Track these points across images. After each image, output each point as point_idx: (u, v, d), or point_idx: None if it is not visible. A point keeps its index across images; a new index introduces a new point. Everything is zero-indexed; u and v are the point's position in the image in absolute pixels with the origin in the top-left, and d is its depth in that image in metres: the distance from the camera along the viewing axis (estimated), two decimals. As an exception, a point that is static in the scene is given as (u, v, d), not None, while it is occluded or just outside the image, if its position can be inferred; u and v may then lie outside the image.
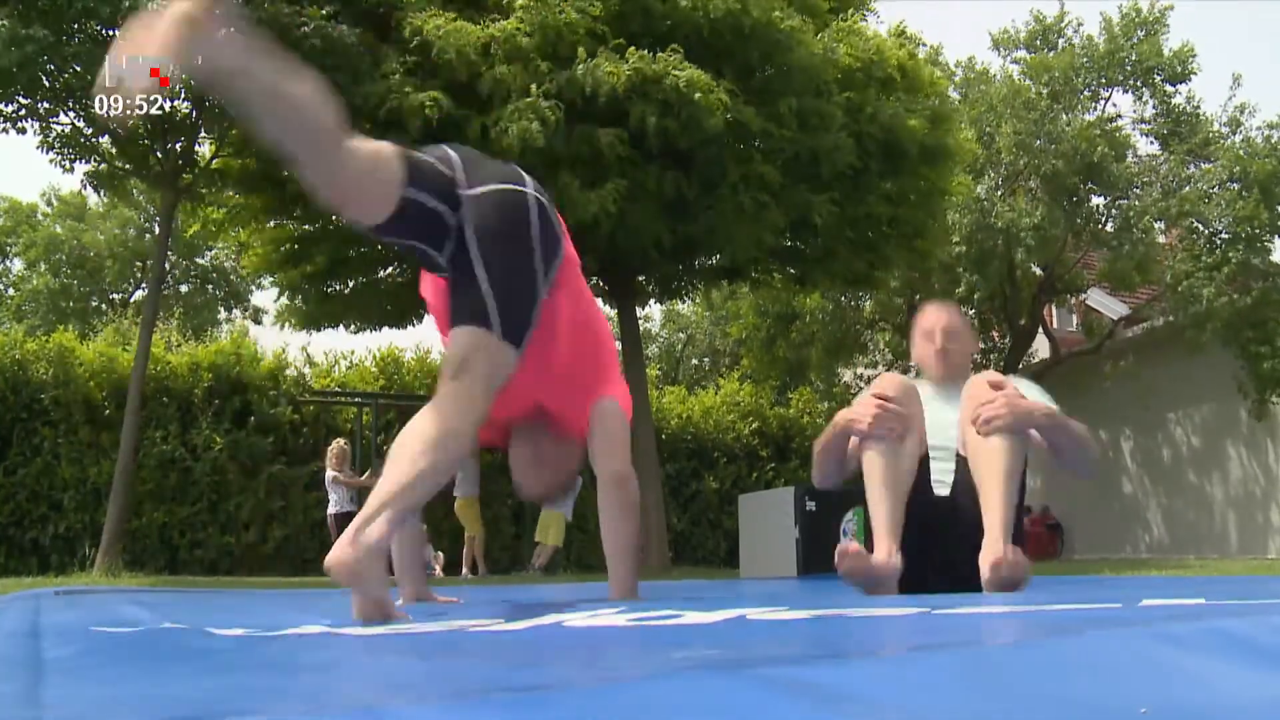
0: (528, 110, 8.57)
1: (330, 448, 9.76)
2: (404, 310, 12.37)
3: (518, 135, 8.39)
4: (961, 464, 2.62)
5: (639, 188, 9.32)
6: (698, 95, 8.69)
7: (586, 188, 8.93)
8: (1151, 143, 16.16)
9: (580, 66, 8.79)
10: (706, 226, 9.86)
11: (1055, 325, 18.51)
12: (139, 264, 28.18)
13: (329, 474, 9.55)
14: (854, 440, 2.65)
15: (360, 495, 10.01)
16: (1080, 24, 16.29)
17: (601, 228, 9.35)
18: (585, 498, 12.55)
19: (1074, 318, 18.81)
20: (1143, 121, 15.97)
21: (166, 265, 15.66)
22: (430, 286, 2.43)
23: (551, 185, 9.27)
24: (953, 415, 2.69)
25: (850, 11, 10.67)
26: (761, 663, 0.79)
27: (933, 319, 2.98)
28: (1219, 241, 14.47)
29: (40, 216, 29.27)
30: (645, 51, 8.90)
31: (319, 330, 12.32)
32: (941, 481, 2.69)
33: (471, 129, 8.89)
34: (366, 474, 9.93)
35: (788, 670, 0.73)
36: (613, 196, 8.91)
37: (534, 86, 8.78)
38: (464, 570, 10.31)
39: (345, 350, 17.29)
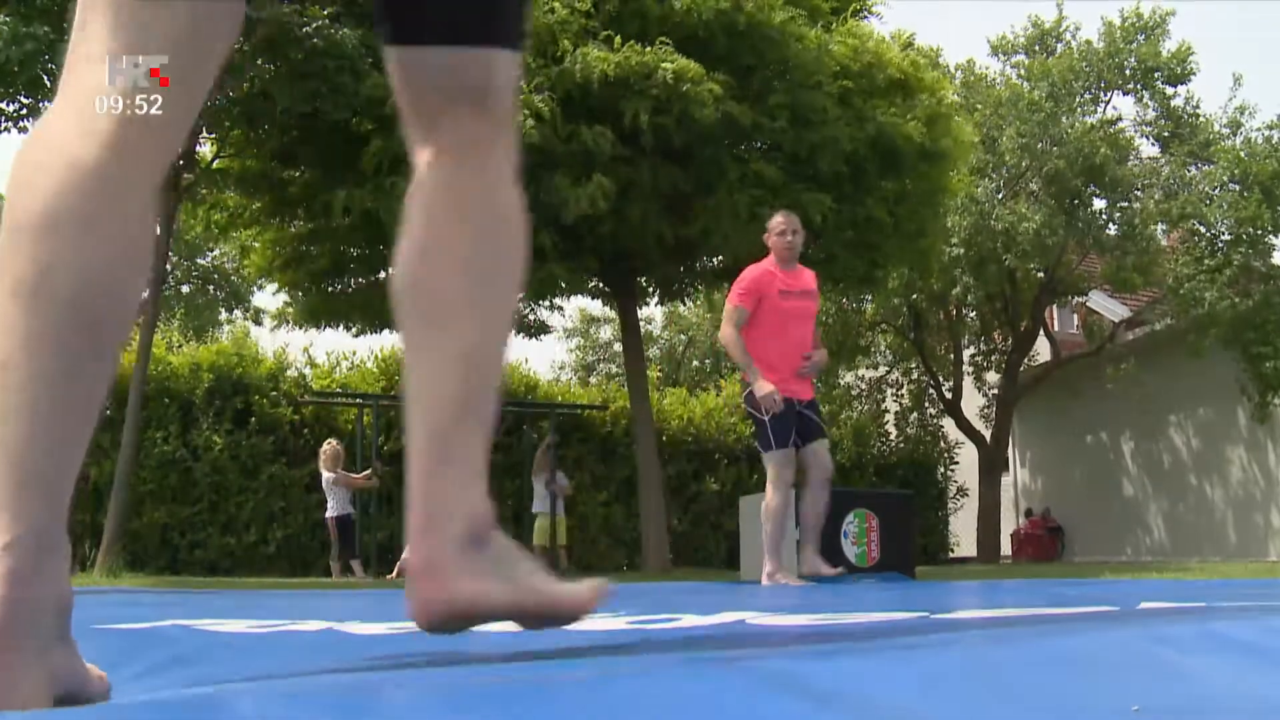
0: (520, 107, 8.58)
1: (322, 449, 9.70)
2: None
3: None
4: None
5: (634, 184, 9.31)
6: (686, 87, 8.68)
7: (575, 185, 8.93)
8: (1153, 144, 16.17)
9: (569, 57, 8.83)
10: (705, 226, 9.86)
11: (1056, 328, 18.50)
12: (140, 264, 28.14)
13: (325, 476, 9.48)
14: None
15: (359, 496, 10.00)
16: (1078, 28, 16.33)
17: (604, 224, 9.33)
18: (583, 499, 12.55)
19: (1075, 320, 18.80)
20: (1144, 124, 15.97)
21: (168, 266, 15.63)
22: None
23: (543, 183, 9.29)
24: None
25: (851, 12, 10.63)
26: (755, 659, 0.79)
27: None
28: (1220, 243, 14.46)
29: (42, 217, 29.27)
30: (635, 43, 8.92)
31: (320, 328, 12.29)
32: None
33: None
34: (365, 474, 9.90)
35: (781, 664, 0.73)
36: (601, 192, 8.89)
37: (523, 83, 8.80)
38: None
39: (347, 351, 17.26)
